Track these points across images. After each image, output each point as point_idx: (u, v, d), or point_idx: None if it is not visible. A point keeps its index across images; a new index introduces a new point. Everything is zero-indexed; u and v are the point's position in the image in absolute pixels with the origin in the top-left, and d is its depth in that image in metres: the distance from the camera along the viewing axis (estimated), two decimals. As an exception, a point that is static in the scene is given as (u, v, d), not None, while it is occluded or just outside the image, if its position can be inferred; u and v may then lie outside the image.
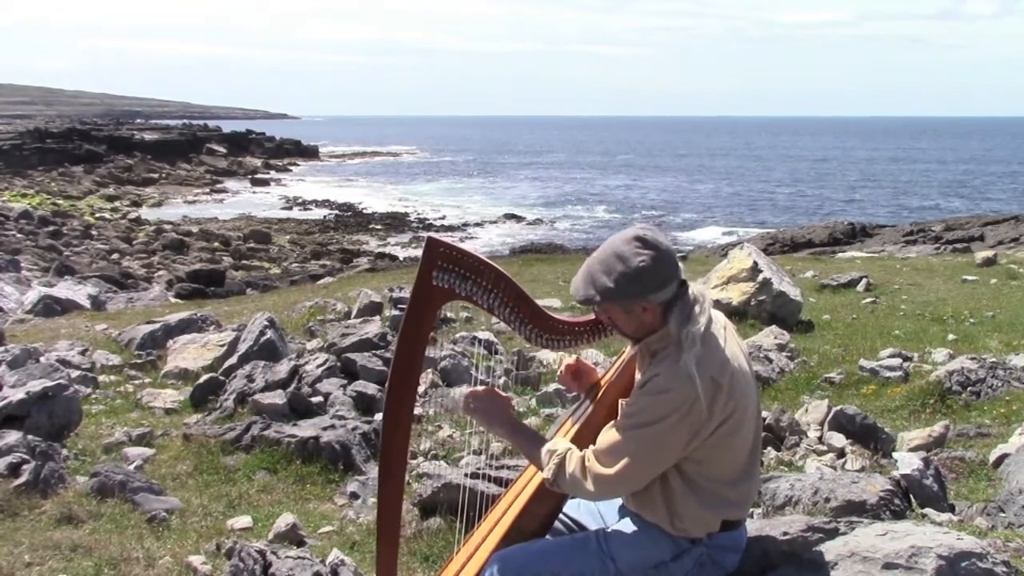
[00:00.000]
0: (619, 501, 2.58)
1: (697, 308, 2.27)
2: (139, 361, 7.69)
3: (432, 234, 3.36)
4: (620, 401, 2.33)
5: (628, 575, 2.38)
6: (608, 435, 2.30)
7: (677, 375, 2.19)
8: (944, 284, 11.44)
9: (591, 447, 2.33)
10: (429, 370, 6.56)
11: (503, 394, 2.53)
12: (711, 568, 2.39)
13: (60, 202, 39.88)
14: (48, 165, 51.33)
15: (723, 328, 2.34)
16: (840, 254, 18.84)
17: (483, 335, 7.67)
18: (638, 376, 2.37)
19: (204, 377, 6.67)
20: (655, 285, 2.23)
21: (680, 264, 2.29)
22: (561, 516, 2.62)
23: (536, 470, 2.57)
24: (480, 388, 2.55)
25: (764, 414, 5.33)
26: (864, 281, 11.15)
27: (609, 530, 2.46)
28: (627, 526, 2.43)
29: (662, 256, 2.24)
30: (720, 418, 2.22)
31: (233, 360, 6.92)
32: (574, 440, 2.46)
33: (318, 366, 6.47)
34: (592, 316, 2.54)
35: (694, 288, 2.32)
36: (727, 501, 2.33)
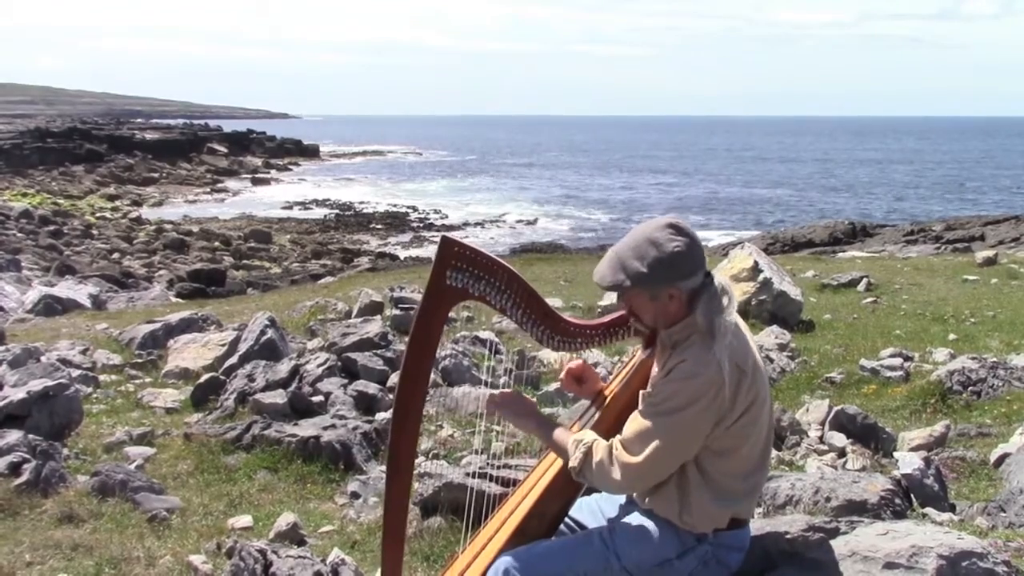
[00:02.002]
0: (621, 499, 2.58)
1: (726, 299, 2.27)
2: (140, 360, 7.70)
3: (447, 233, 3.35)
4: (641, 392, 2.32)
5: (633, 572, 2.37)
6: (635, 423, 2.28)
7: (705, 361, 2.20)
8: (945, 284, 11.44)
9: (618, 436, 2.32)
10: (429, 369, 6.56)
11: (528, 398, 2.57)
12: (715, 567, 2.38)
13: (61, 201, 39.89)
14: (49, 164, 51.34)
15: (741, 324, 2.36)
16: (841, 254, 18.84)
17: (484, 335, 7.67)
18: (655, 371, 2.36)
19: (205, 376, 6.67)
20: (687, 271, 2.24)
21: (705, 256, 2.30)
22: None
23: (544, 470, 2.57)
24: (505, 391, 2.57)
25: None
26: (865, 281, 11.15)
27: (614, 527, 2.45)
28: (632, 523, 2.42)
29: (695, 244, 2.26)
30: (743, 406, 2.24)
31: (234, 359, 6.93)
32: None
33: (319, 365, 6.47)
34: (604, 320, 2.54)
35: (719, 279, 2.31)
36: (738, 496, 2.33)
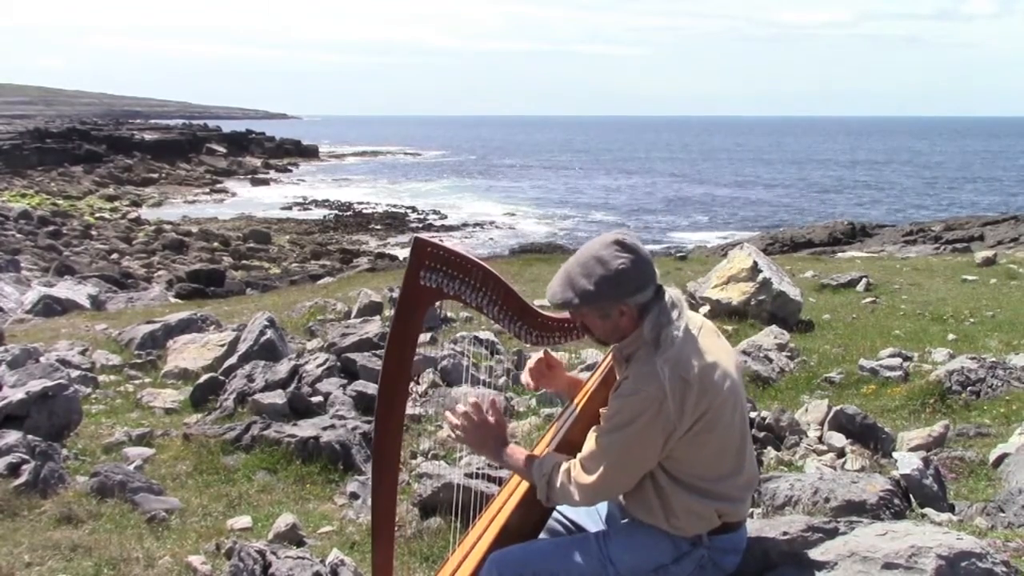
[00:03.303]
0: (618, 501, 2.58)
1: (675, 312, 2.28)
2: (139, 361, 7.69)
3: (420, 234, 3.35)
4: (601, 410, 2.34)
5: (628, 578, 2.37)
6: (589, 443, 2.32)
7: (645, 376, 2.21)
8: (944, 284, 11.45)
9: (577, 456, 2.35)
10: (429, 370, 6.56)
11: (492, 419, 2.49)
12: (712, 570, 2.38)
13: (60, 202, 39.89)
14: (48, 165, 51.31)
15: (698, 328, 2.35)
16: (840, 254, 18.85)
17: (483, 335, 7.67)
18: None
19: (204, 377, 6.67)
20: (634, 288, 2.25)
21: (656, 269, 2.31)
22: (559, 516, 2.62)
23: None
24: (469, 411, 2.49)
25: (764, 414, 5.32)
26: (864, 281, 11.15)
27: (609, 532, 2.45)
28: (627, 528, 2.42)
29: (641, 259, 2.26)
30: (693, 416, 2.23)
31: (233, 360, 6.92)
32: (560, 447, 2.49)
33: (318, 366, 6.47)
34: None
35: (671, 292, 2.33)
36: (719, 496, 2.33)
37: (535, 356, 2.69)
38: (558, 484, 2.33)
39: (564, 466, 2.35)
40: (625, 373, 2.30)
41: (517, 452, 2.48)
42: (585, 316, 2.34)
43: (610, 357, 2.59)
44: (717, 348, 2.34)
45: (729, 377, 2.31)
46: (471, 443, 2.51)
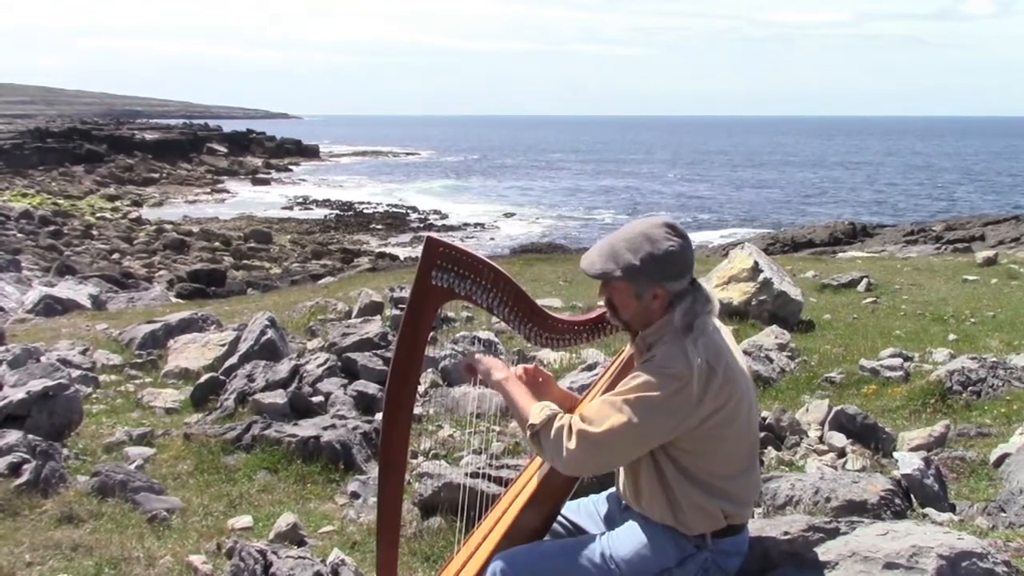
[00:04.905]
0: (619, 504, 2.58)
1: (709, 305, 2.30)
2: (140, 361, 7.70)
3: (431, 234, 3.34)
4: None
5: (631, 581, 2.36)
6: (598, 402, 2.27)
7: (674, 356, 2.21)
8: (945, 284, 11.44)
9: (581, 410, 2.31)
10: (429, 370, 6.56)
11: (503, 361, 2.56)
12: (715, 573, 2.38)
13: (61, 202, 39.92)
14: (49, 165, 51.36)
15: (722, 330, 2.38)
16: (841, 254, 18.84)
17: (483, 335, 7.67)
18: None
19: (205, 377, 6.68)
20: (676, 272, 2.26)
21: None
22: (560, 519, 2.61)
23: (536, 469, 2.56)
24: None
25: (764, 414, 5.32)
26: (865, 281, 11.15)
27: (613, 535, 2.44)
28: (631, 531, 2.41)
29: (688, 247, 2.29)
30: (712, 406, 2.22)
31: (234, 360, 6.93)
32: None
33: (319, 366, 6.47)
34: (592, 315, 2.53)
35: (706, 286, 2.35)
36: (727, 494, 2.32)
37: (520, 367, 2.63)
38: (556, 426, 2.26)
39: (566, 415, 2.30)
40: (652, 353, 2.27)
41: (523, 387, 2.45)
42: (617, 292, 2.32)
43: (625, 352, 2.58)
44: (736, 351, 2.37)
45: (747, 378, 2.35)
46: (483, 370, 2.48)
